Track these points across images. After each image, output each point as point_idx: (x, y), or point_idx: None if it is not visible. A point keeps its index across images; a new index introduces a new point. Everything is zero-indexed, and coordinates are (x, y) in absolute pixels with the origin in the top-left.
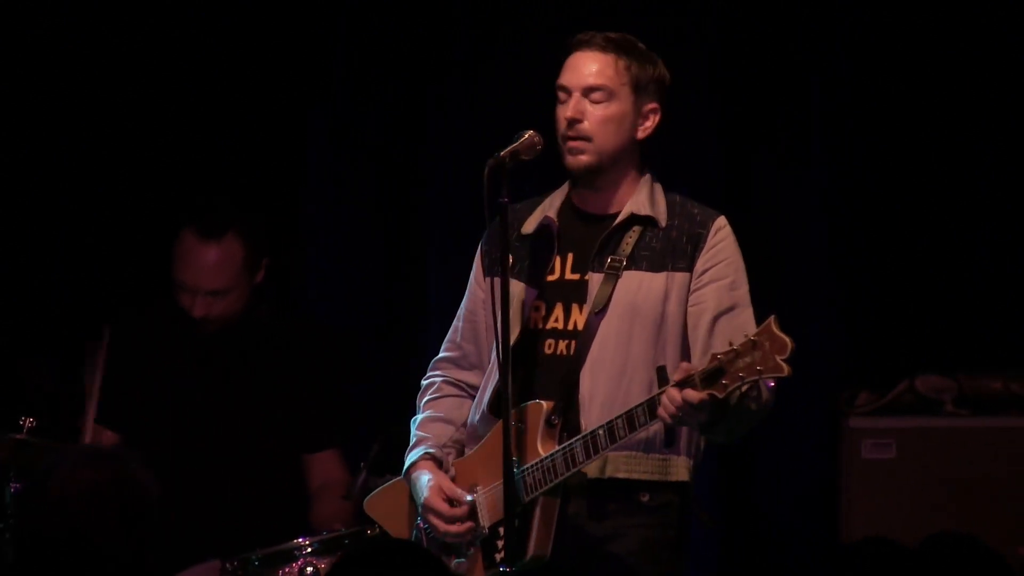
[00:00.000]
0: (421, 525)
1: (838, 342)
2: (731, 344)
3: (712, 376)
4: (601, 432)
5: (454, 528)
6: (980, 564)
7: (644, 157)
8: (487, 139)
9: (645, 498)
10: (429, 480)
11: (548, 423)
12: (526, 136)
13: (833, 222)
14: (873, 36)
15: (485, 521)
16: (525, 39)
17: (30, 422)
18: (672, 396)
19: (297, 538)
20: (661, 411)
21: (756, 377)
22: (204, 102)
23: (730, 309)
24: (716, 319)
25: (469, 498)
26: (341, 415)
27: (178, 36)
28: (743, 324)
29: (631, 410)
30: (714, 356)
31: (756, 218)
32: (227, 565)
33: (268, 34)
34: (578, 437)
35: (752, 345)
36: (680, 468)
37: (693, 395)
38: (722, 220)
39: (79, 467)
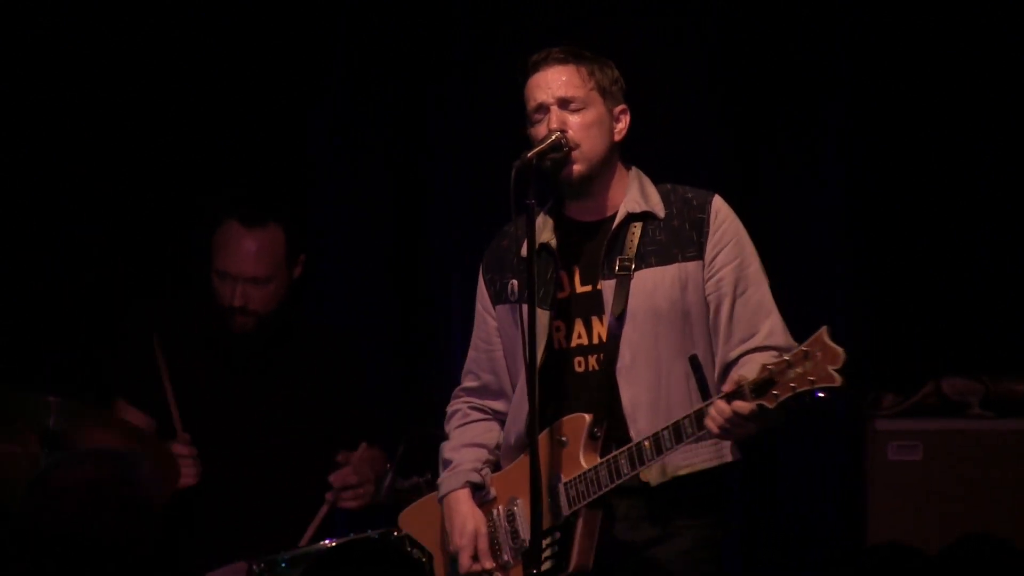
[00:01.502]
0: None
1: (863, 344)
2: (780, 355)
3: (762, 387)
4: (647, 444)
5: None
6: (1006, 566)
7: (624, 155)
8: (487, 139)
9: (702, 490)
10: (467, 523)
11: (591, 436)
12: (552, 137)
13: (855, 222)
14: (873, 35)
15: (525, 534)
16: (525, 39)
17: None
18: (721, 408)
19: (324, 540)
20: (709, 422)
21: (808, 387)
22: (204, 102)
23: (744, 291)
24: (734, 303)
25: (491, 565)
26: (373, 414)
27: (178, 36)
28: (760, 301)
29: (678, 422)
30: (764, 367)
31: (768, 219)
32: (254, 567)
33: (268, 34)
34: (622, 449)
35: (804, 355)
36: (732, 447)
37: (743, 406)
38: (718, 199)
39: (80, 464)
